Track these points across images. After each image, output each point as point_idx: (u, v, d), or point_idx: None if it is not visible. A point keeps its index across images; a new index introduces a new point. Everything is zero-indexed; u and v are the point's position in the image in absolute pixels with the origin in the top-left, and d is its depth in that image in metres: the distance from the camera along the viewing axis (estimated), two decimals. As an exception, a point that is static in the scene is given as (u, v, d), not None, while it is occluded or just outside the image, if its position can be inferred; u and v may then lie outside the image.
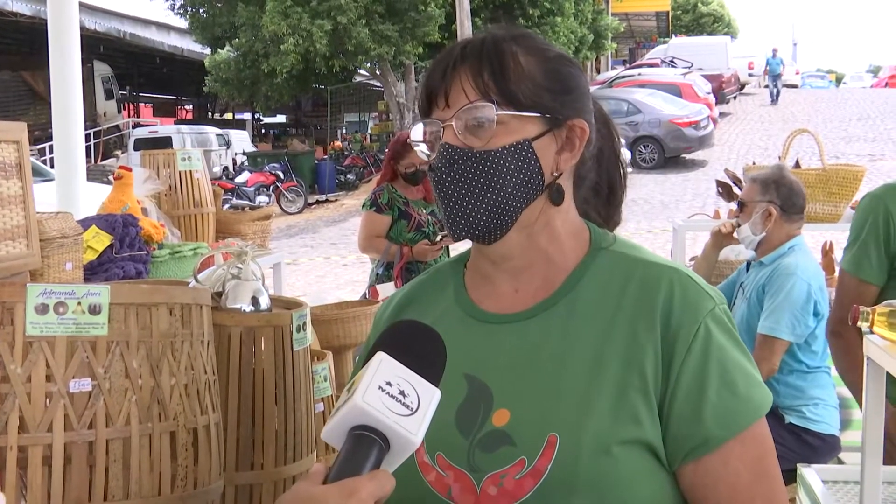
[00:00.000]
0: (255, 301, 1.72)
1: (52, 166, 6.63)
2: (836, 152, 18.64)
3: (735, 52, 32.37)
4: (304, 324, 1.76)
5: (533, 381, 1.13)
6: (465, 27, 17.62)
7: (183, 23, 24.40)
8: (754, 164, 4.73)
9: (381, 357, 0.96)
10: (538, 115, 1.16)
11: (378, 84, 24.84)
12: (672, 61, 29.27)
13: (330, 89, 25.98)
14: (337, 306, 3.79)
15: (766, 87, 31.63)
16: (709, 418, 1.09)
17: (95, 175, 11.58)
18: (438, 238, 4.48)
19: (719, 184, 4.51)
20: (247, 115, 32.68)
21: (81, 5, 5.21)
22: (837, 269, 5.04)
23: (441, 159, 1.16)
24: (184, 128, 24.46)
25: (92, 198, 3.85)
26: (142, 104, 33.43)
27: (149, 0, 43.08)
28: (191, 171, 3.70)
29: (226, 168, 22.34)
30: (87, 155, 15.94)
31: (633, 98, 20.39)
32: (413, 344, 1.00)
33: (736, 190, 4.26)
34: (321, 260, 12.48)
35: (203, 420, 1.37)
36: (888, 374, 2.17)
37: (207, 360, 1.41)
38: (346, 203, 19.14)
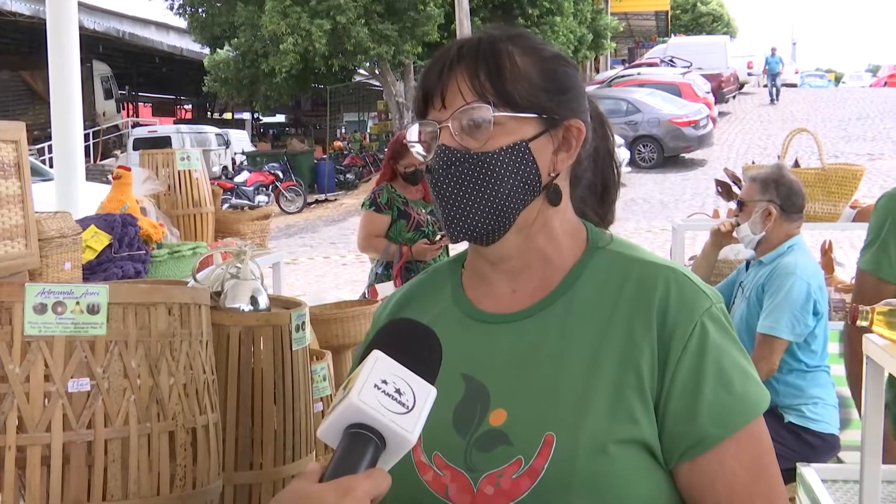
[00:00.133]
0: (253, 301, 1.72)
1: (51, 166, 6.63)
2: (835, 151, 18.65)
3: (734, 52, 32.39)
4: (303, 323, 1.75)
5: (530, 381, 1.13)
6: (464, 27, 17.61)
7: (182, 22, 24.41)
8: (753, 163, 4.74)
9: (376, 355, 0.96)
10: (535, 115, 1.16)
11: (377, 84, 24.84)
12: (671, 61, 29.29)
13: (329, 89, 25.97)
14: (336, 306, 3.79)
15: (766, 86, 31.64)
16: (705, 417, 1.09)
17: (94, 175, 11.58)
18: (437, 237, 4.48)
19: (718, 183, 4.51)
20: (246, 115, 32.67)
21: (80, 5, 5.20)
22: (837, 268, 5.05)
23: (438, 161, 1.16)
24: (183, 127, 24.45)
25: (91, 197, 3.84)
26: (141, 104, 33.42)
27: (148, 0, 43.06)
28: (190, 171, 3.70)
29: (225, 168, 22.34)
30: (87, 155, 15.94)
31: (633, 97, 20.40)
32: (409, 342, 1.00)
33: (735, 189, 4.25)
34: (320, 259, 12.48)
35: (202, 420, 1.37)
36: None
37: (206, 360, 1.40)
38: (346, 203, 19.14)
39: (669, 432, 1.10)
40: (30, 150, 2.33)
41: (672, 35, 40.28)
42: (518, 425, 1.11)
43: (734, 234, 3.54)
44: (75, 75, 4.01)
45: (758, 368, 1.16)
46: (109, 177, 3.47)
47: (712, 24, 48.93)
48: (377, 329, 1.08)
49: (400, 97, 21.96)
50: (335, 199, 20.04)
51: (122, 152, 22.00)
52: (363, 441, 0.92)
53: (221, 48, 23.24)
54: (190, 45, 25.87)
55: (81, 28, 5.32)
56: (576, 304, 1.16)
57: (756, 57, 34.22)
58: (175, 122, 28.98)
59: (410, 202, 4.52)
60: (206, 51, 24.15)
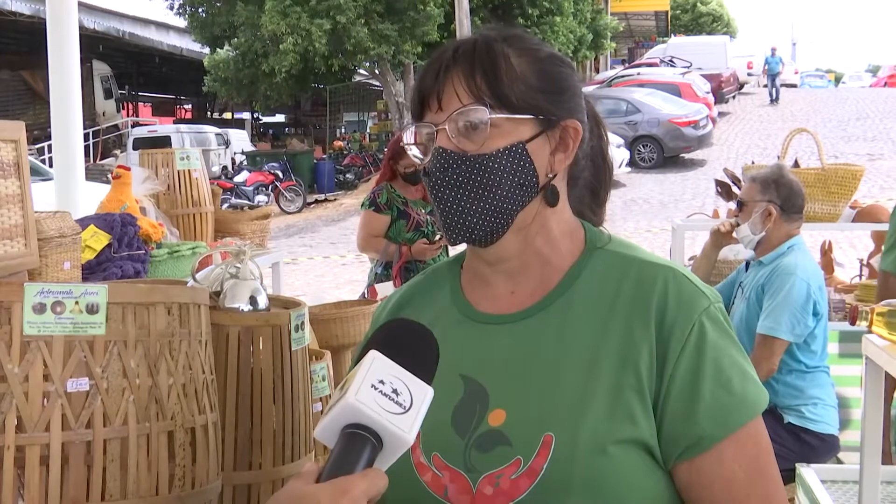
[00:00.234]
0: (253, 300, 1.72)
1: (50, 165, 6.63)
2: (835, 152, 18.65)
3: (734, 52, 32.39)
4: (303, 323, 1.75)
5: (529, 382, 1.13)
6: (464, 26, 17.60)
7: (182, 22, 24.39)
8: (753, 163, 4.74)
9: (373, 355, 0.96)
10: (531, 116, 1.16)
11: (377, 84, 24.84)
12: (671, 61, 29.29)
13: (329, 89, 25.97)
14: (336, 306, 3.79)
15: (765, 86, 31.64)
16: (703, 417, 1.09)
17: (94, 174, 11.59)
18: (437, 237, 4.48)
19: (718, 183, 4.51)
20: (246, 115, 32.66)
21: (80, 5, 5.20)
22: (837, 268, 5.05)
23: (435, 163, 1.16)
24: (183, 127, 24.44)
25: (90, 197, 3.84)
26: (141, 103, 33.40)
27: (148, 0, 43.02)
28: (189, 171, 3.69)
29: (225, 167, 22.33)
30: (86, 154, 15.95)
31: (632, 97, 20.40)
32: (406, 342, 1.00)
33: (735, 189, 4.26)
34: (320, 259, 12.48)
35: (201, 420, 1.37)
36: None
37: (205, 360, 1.40)
38: (345, 202, 19.14)
39: (668, 432, 1.10)
40: (29, 149, 2.33)
41: (672, 35, 40.29)
42: (517, 426, 1.11)
43: (734, 234, 3.54)
44: (75, 75, 4.01)
45: (757, 369, 1.16)
46: (109, 176, 3.48)
47: (712, 24, 48.94)
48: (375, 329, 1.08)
49: (400, 97, 21.95)
50: (335, 199, 20.03)
51: (121, 152, 21.99)
52: (360, 441, 0.92)
53: (221, 48, 23.24)
54: (190, 45, 25.86)
55: (81, 28, 5.32)
56: (574, 304, 1.16)
57: (756, 57, 34.21)
58: (175, 122, 28.97)
59: (410, 202, 4.52)
60: (206, 51, 24.15)
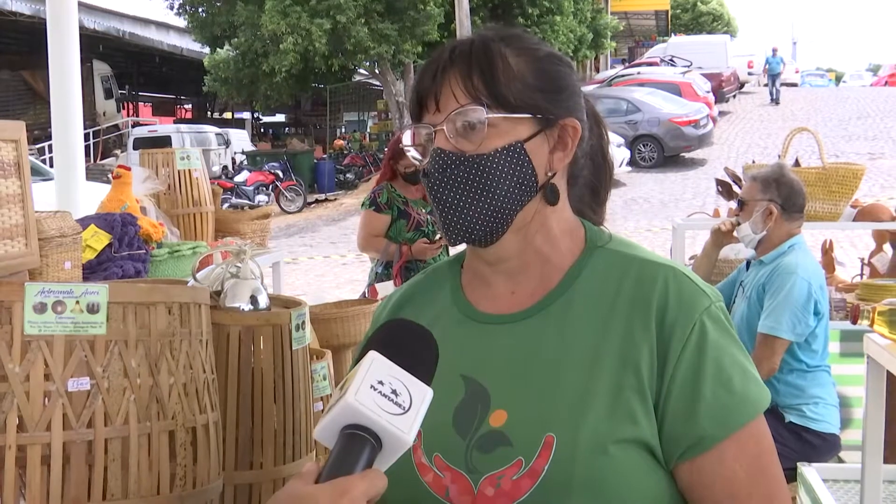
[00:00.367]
0: (253, 300, 1.72)
1: (51, 165, 6.64)
2: (835, 151, 18.65)
3: (734, 51, 32.35)
4: (303, 323, 1.75)
5: (530, 382, 1.13)
6: (464, 26, 17.60)
7: (182, 22, 24.39)
8: (754, 162, 4.74)
9: (372, 356, 0.96)
10: (529, 115, 1.16)
11: (377, 83, 24.84)
12: (671, 60, 29.28)
13: (329, 88, 25.97)
14: (336, 305, 3.79)
15: (765, 85, 31.63)
16: (703, 417, 1.09)
17: (94, 174, 11.58)
18: (437, 236, 4.48)
19: (719, 182, 4.51)
20: (246, 115, 32.66)
21: (81, 5, 5.20)
22: (838, 267, 5.05)
23: (433, 164, 1.16)
24: (183, 127, 24.45)
25: (91, 197, 3.84)
26: (141, 103, 33.39)
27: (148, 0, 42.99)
28: (190, 171, 3.70)
29: (225, 167, 22.33)
30: (87, 154, 15.93)
31: (633, 97, 20.40)
32: (405, 343, 1.00)
33: (736, 188, 4.25)
34: (320, 259, 12.48)
35: (202, 419, 1.37)
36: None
37: (206, 359, 1.40)
38: (346, 202, 19.14)
39: (669, 432, 1.10)
40: (30, 149, 2.33)
41: (672, 34, 40.26)
42: (518, 426, 1.11)
43: (735, 233, 3.54)
44: (75, 75, 4.01)
45: (759, 368, 1.16)
46: (109, 176, 3.48)
47: (712, 23, 48.93)
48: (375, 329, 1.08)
49: (400, 97, 21.95)
50: (335, 199, 20.03)
51: (122, 152, 21.99)
52: (359, 442, 0.92)
53: (221, 48, 23.23)
54: (190, 45, 25.86)
55: (81, 28, 5.32)
56: (575, 303, 1.16)
57: (756, 56, 34.19)
58: (175, 122, 28.98)
59: (410, 202, 4.52)
60: (207, 50, 24.14)
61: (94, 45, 22.18)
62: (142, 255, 2.90)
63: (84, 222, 2.78)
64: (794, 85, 39.51)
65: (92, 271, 2.72)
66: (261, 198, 17.49)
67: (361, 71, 25.24)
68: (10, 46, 23.26)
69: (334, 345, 3.29)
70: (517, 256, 1.20)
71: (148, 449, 1.28)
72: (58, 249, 2.38)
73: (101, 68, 25.55)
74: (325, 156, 23.06)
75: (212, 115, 34.97)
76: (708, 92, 23.48)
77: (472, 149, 1.15)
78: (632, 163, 19.11)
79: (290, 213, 17.98)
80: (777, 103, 29.27)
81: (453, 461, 1.13)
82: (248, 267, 1.75)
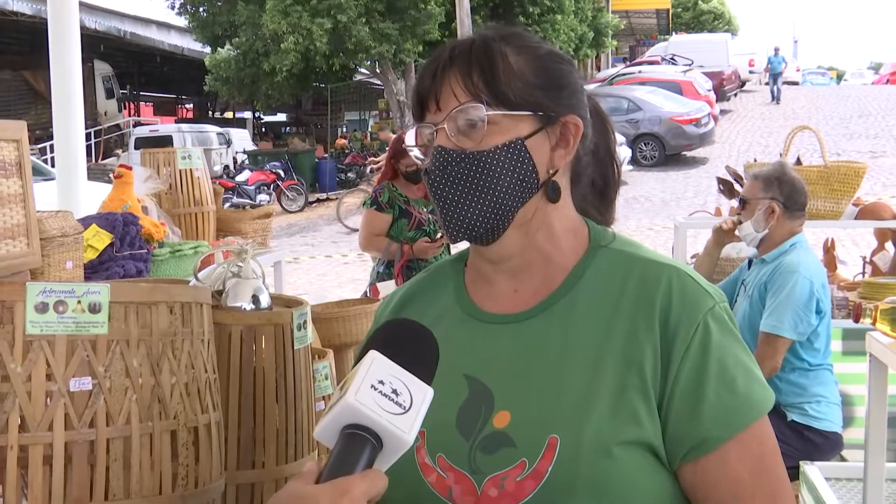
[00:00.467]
0: (255, 299, 1.72)
1: (52, 165, 6.63)
2: (837, 149, 18.63)
3: (736, 50, 32.35)
4: (305, 322, 1.75)
5: (533, 383, 1.12)
6: (464, 25, 17.61)
7: (183, 22, 24.40)
8: (755, 161, 4.73)
9: (373, 356, 0.95)
10: (530, 113, 1.15)
11: (378, 82, 24.84)
12: (672, 59, 29.26)
13: (330, 88, 25.97)
14: (338, 304, 3.79)
15: (767, 84, 31.61)
16: (707, 418, 1.08)
17: (96, 174, 11.60)
18: (439, 235, 4.48)
19: (720, 181, 4.51)
20: (247, 114, 32.67)
21: (82, 4, 5.20)
22: (839, 266, 5.04)
23: (435, 162, 1.16)
24: (184, 126, 24.44)
25: (92, 197, 3.85)
26: (142, 103, 33.41)
27: (149, -1, 43.01)
28: (191, 170, 3.70)
29: (226, 167, 22.32)
30: (88, 154, 15.95)
31: (634, 96, 20.38)
32: (405, 342, 1.00)
33: (737, 187, 4.25)
34: (322, 258, 12.48)
35: (204, 419, 1.36)
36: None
37: (208, 359, 1.40)
38: (347, 201, 19.14)
39: (672, 433, 1.09)
40: (31, 149, 2.33)
41: (673, 33, 40.24)
42: (522, 427, 1.10)
43: (736, 232, 3.53)
44: (77, 75, 4.02)
45: (761, 367, 1.15)
46: (111, 176, 3.48)
47: (713, 21, 48.91)
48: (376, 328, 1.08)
49: (401, 96, 21.95)
50: (336, 198, 20.02)
51: (123, 151, 21.99)
52: (360, 442, 0.91)
53: (222, 47, 23.24)
54: (191, 45, 25.87)
55: (83, 28, 5.33)
56: (578, 303, 1.16)
57: (758, 55, 34.18)
58: (176, 122, 28.98)
59: (412, 201, 4.52)
60: (208, 50, 24.16)
61: (95, 44, 22.19)
62: (143, 254, 2.90)
63: (86, 222, 2.78)
64: (796, 83, 39.48)
65: (93, 271, 2.72)
66: (262, 197, 17.48)
67: (362, 70, 25.25)
68: (11, 46, 23.28)
69: (336, 344, 3.29)
70: (519, 254, 1.19)
71: (150, 449, 1.28)
72: (59, 249, 2.38)
73: (102, 68, 25.57)
74: (326, 155, 23.06)
75: (213, 114, 34.97)
76: (709, 90, 23.47)
77: (473, 146, 1.15)
78: (633, 161, 19.09)
79: (291, 212, 17.97)
80: (778, 102, 29.25)
81: (457, 462, 1.12)
82: (250, 266, 1.75)
